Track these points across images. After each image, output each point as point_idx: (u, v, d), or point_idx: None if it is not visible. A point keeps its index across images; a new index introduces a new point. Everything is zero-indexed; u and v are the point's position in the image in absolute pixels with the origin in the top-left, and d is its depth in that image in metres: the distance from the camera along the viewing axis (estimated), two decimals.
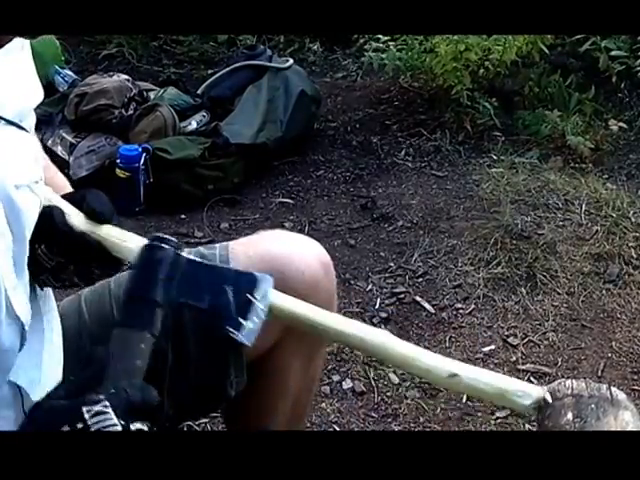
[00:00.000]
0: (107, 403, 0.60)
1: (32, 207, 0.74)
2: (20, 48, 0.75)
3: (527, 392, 0.68)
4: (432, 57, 2.67)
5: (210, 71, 3.30)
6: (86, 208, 0.82)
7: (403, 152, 2.56)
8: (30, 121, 0.79)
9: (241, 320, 0.72)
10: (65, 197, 0.85)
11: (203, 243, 2.14)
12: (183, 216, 2.29)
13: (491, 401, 0.69)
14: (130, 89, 2.58)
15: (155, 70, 3.28)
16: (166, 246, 0.74)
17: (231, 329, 0.72)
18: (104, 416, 0.59)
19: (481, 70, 2.65)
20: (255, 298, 0.73)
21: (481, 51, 2.60)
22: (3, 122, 0.70)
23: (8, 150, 0.70)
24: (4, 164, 0.68)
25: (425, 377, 0.75)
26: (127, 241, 0.81)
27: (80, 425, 0.58)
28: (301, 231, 2.16)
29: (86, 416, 0.59)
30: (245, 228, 2.22)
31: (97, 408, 0.59)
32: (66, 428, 0.58)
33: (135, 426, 0.59)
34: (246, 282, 0.74)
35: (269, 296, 0.75)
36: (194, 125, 2.52)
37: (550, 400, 0.67)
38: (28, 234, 0.73)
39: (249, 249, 1.00)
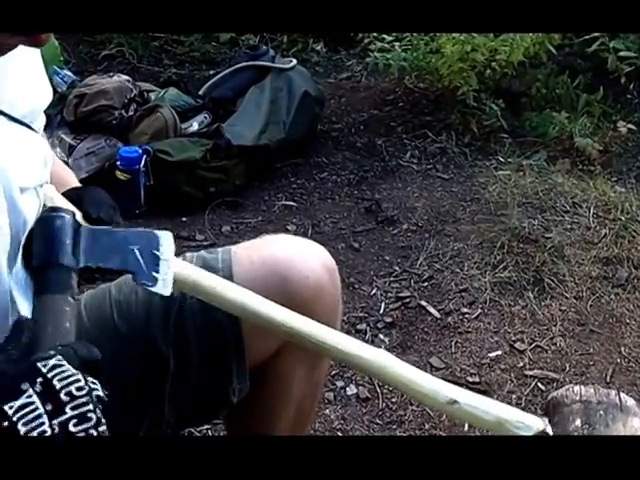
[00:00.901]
0: (60, 357, 0.60)
1: (33, 211, 0.75)
2: (28, 49, 0.75)
3: (527, 424, 0.68)
4: (438, 57, 2.67)
5: (212, 71, 3.31)
6: (82, 212, 0.82)
7: (408, 154, 2.57)
8: (40, 122, 0.80)
9: (154, 274, 0.76)
10: (65, 195, 0.85)
11: (205, 246, 2.15)
12: (184, 219, 2.29)
13: (489, 430, 0.69)
14: (130, 90, 2.59)
15: (156, 70, 3.29)
16: (64, 214, 0.76)
17: (147, 283, 0.76)
18: (61, 368, 0.59)
19: (488, 71, 2.66)
20: (161, 252, 0.78)
21: (488, 51, 2.61)
22: (13, 122, 0.70)
23: (17, 151, 0.70)
24: (12, 165, 0.68)
25: (423, 402, 0.75)
26: None
27: (40, 379, 0.58)
28: (304, 234, 2.16)
29: (43, 370, 0.59)
30: (247, 231, 2.22)
31: (52, 362, 0.59)
32: (26, 386, 0.57)
33: (89, 379, 0.59)
34: (148, 240, 0.78)
35: (172, 249, 0.80)
36: (195, 126, 2.52)
37: (551, 433, 0.67)
38: (22, 239, 0.73)
39: (252, 253, 1.00)
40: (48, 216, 0.75)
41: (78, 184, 0.98)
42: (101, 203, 0.85)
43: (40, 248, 0.74)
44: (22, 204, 0.70)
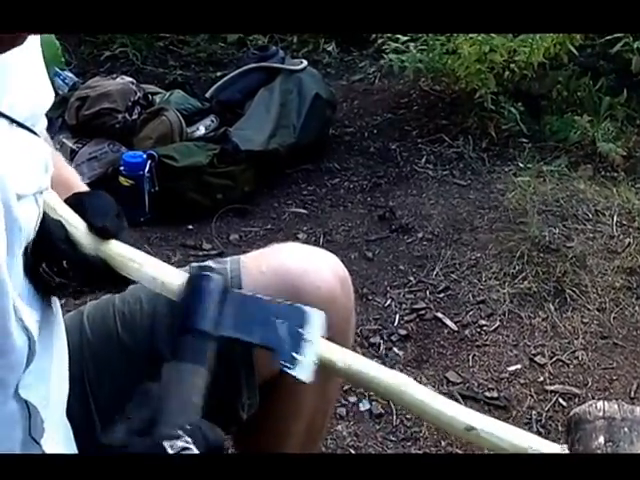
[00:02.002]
0: (188, 439, 0.60)
1: (31, 220, 0.74)
2: (31, 48, 0.76)
3: (543, 452, 0.68)
4: (455, 59, 2.68)
5: (219, 73, 3.33)
6: (87, 223, 0.82)
7: (423, 159, 2.57)
8: (41, 125, 0.80)
9: (295, 355, 0.74)
10: (68, 202, 0.85)
11: (212, 256, 2.16)
12: (190, 227, 2.31)
13: None
14: (134, 92, 2.61)
15: (161, 72, 3.31)
16: (215, 276, 0.75)
17: (286, 364, 0.74)
18: (188, 451, 0.60)
19: (506, 73, 2.66)
20: (307, 332, 0.75)
21: (506, 53, 2.61)
22: (14, 124, 0.70)
23: (16, 156, 0.70)
24: (10, 171, 0.68)
25: (440, 426, 0.75)
26: (135, 260, 0.81)
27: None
28: (316, 243, 2.17)
29: (170, 451, 0.59)
30: (256, 240, 2.23)
31: (180, 444, 0.60)
32: None
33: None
34: (296, 315, 0.76)
35: (320, 330, 0.77)
36: (202, 130, 2.54)
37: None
38: (18, 249, 0.73)
39: (262, 263, 1.00)
40: (197, 276, 0.75)
41: (82, 186, 0.98)
42: (106, 211, 0.84)
43: (183, 310, 0.74)
44: (18, 212, 0.70)
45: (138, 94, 2.59)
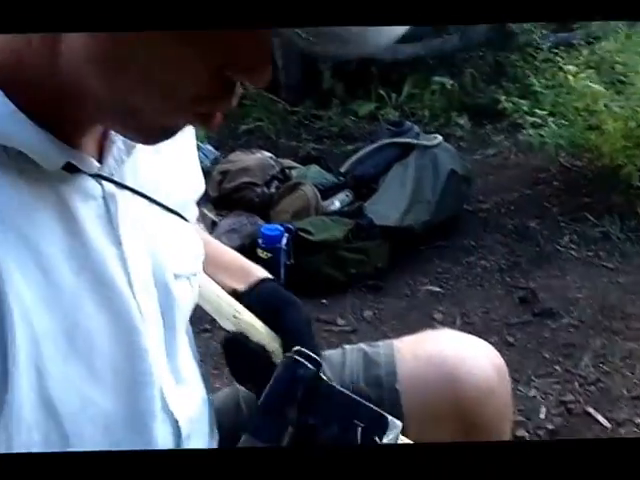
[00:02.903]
0: None
1: (188, 298, 0.75)
2: (187, 136, 0.78)
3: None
4: (598, 134, 2.60)
5: (351, 147, 3.38)
6: (280, 338, 0.81)
7: (566, 238, 2.48)
8: (192, 212, 0.81)
9: None
10: (246, 295, 0.84)
11: (346, 332, 2.14)
12: (324, 301, 2.30)
13: None
14: (272, 167, 2.68)
15: (294, 145, 3.40)
16: (309, 365, 0.76)
17: None
18: None
19: None
20: (381, 441, 0.76)
21: None
22: (167, 211, 0.72)
23: (170, 240, 0.72)
24: (165, 251, 0.70)
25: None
26: None
27: None
28: (452, 324, 2.11)
29: None
30: (390, 318, 2.20)
31: None
32: None
33: None
34: (377, 423, 0.76)
35: (396, 440, 0.77)
36: (337, 205, 2.56)
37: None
38: (180, 327, 0.74)
39: (417, 348, 0.98)
40: (292, 360, 0.76)
41: (255, 271, 0.92)
42: (300, 328, 0.83)
43: (271, 391, 0.75)
44: (175, 290, 0.71)
45: (276, 168, 2.66)
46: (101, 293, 0.60)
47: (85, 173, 0.60)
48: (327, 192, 2.60)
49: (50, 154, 0.56)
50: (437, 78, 3.63)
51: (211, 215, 2.52)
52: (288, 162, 2.83)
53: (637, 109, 2.54)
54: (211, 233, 2.50)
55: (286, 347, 0.80)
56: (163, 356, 0.70)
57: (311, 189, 2.54)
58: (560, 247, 2.44)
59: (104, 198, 0.61)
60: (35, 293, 0.54)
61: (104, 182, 0.62)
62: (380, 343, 1.02)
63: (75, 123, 0.58)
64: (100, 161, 0.62)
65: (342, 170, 2.75)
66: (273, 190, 2.60)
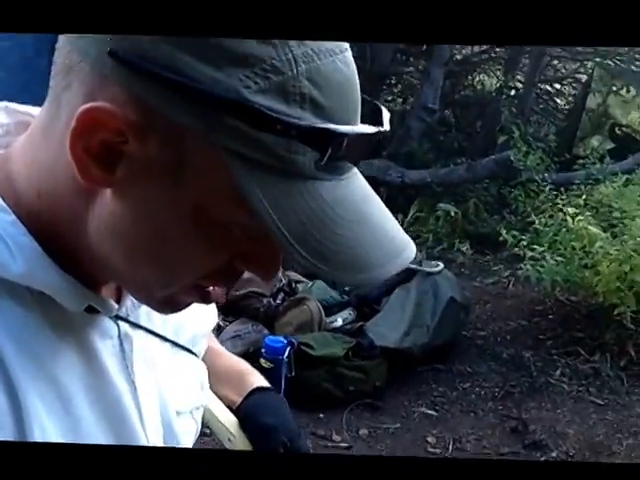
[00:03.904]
0: None
1: (189, 434, 0.78)
2: None
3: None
4: (592, 274, 2.73)
5: None
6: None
7: (558, 372, 2.57)
8: (201, 346, 0.83)
9: None
10: (235, 411, 0.90)
11: (341, 448, 2.21)
12: (321, 415, 2.37)
13: None
14: (280, 279, 2.81)
15: None
16: None
17: None
18: None
19: None
20: None
21: None
22: (176, 347, 0.76)
23: (177, 376, 0.76)
24: (170, 390, 0.73)
25: None
26: None
27: None
28: (444, 448, 2.18)
29: None
30: (385, 437, 2.26)
31: None
32: None
33: None
34: None
35: None
36: (340, 322, 2.67)
37: None
38: None
39: None
40: None
41: (252, 381, 0.98)
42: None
43: None
44: (178, 428, 0.74)
45: (283, 281, 2.79)
46: (115, 427, 0.63)
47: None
48: (331, 309, 2.72)
49: (72, 298, 0.59)
50: (442, 205, 3.82)
51: (217, 320, 2.62)
52: (295, 275, 2.96)
53: (632, 254, 2.68)
54: (217, 338, 2.60)
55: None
56: None
57: (315, 305, 2.65)
58: (552, 380, 2.53)
59: (120, 337, 0.64)
60: (55, 424, 0.57)
61: (120, 322, 0.65)
62: None
63: (97, 274, 0.60)
64: (118, 300, 0.65)
65: (347, 288, 2.88)
66: (279, 302, 2.71)
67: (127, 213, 0.53)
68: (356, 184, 0.55)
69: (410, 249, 0.54)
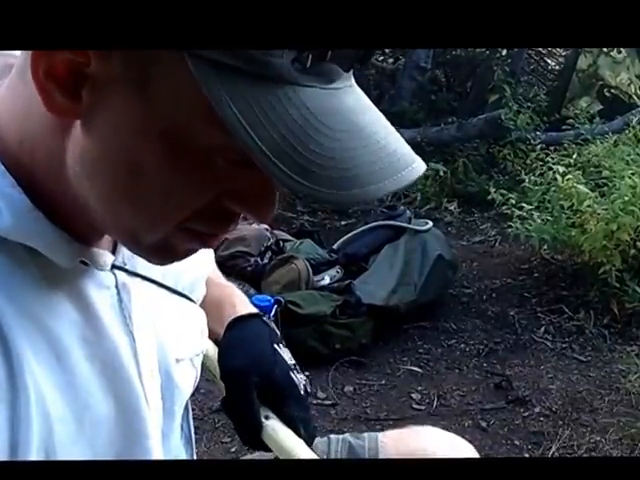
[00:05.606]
0: None
1: (188, 381, 0.78)
2: None
3: None
4: (580, 232, 2.74)
5: (343, 222, 3.53)
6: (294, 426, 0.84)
7: (542, 329, 2.60)
8: (199, 292, 0.84)
9: None
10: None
11: (326, 405, 2.23)
12: (307, 373, 2.37)
13: None
14: (268, 238, 2.81)
15: (289, 216, 3.54)
16: None
17: None
18: None
19: (632, 251, 2.69)
20: None
21: (634, 232, 2.65)
22: (174, 294, 0.75)
23: (176, 323, 0.75)
24: (169, 337, 0.73)
25: None
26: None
27: None
28: (429, 405, 2.21)
29: None
30: (370, 394, 2.29)
31: None
32: None
33: None
34: None
35: None
36: (327, 280, 2.68)
37: None
38: (178, 410, 0.77)
39: (400, 444, 1.04)
40: None
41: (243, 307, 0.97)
42: (294, 395, 0.88)
43: None
44: (176, 375, 0.74)
45: (271, 240, 2.79)
46: (111, 380, 0.61)
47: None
48: (318, 267, 2.72)
49: (63, 254, 0.57)
50: (432, 164, 3.81)
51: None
52: (283, 235, 2.96)
53: (619, 213, 2.69)
54: None
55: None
56: (160, 441, 0.72)
57: (303, 263, 2.66)
58: (536, 337, 2.56)
59: (117, 287, 0.63)
60: (50, 379, 0.55)
61: (117, 272, 0.63)
62: (365, 435, 1.07)
63: (87, 225, 0.58)
64: (114, 250, 0.63)
65: (335, 247, 2.88)
66: (266, 261, 2.72)
67: (98, 146, 0.50)
68: (350, 96, 0.49)
69: (415, 167, 0.49)
